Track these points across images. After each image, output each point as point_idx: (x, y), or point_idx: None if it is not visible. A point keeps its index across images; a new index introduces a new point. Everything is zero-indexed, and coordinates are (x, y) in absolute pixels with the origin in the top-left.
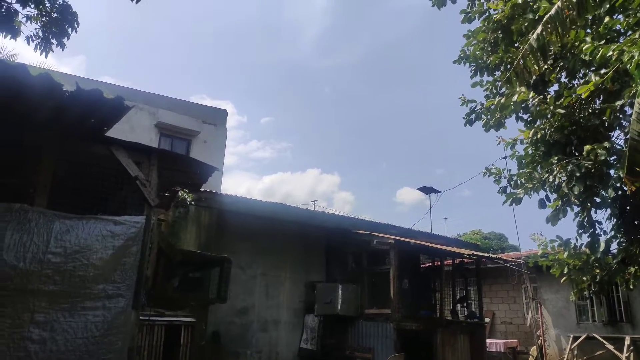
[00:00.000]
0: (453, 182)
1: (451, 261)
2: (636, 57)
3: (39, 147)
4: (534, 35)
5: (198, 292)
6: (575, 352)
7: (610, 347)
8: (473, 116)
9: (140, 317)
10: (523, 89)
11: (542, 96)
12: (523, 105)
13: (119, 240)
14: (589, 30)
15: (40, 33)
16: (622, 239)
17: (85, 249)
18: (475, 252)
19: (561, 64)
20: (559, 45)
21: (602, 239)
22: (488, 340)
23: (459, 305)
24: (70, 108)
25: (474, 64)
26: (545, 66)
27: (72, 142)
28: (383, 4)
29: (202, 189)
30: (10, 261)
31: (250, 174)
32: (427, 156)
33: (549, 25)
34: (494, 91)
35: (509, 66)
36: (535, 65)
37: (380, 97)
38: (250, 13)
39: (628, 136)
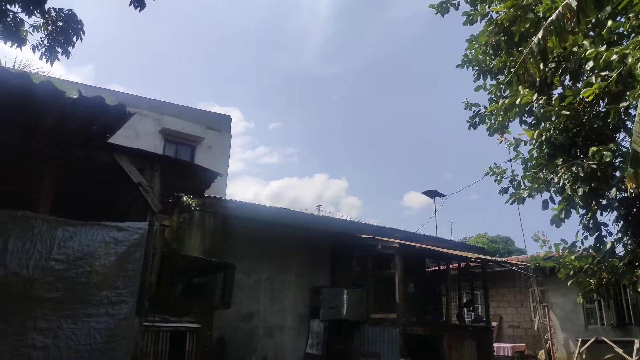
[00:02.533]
0: (461, 186)
1: (457, 265)
2: None
3: (43, 154)
4: (535, 39)
5: (202, 298)
6: (584, 356)
7: (619, 350)
8: (477, 119)
9: (145, 323)
10: (526, 90)
11: (546, 97)
12: (527, 109)
13: (122, 246)
14: (591, 34)
15: (45, 42)
16: (628, 241)
17: (88, 255)
18: (481, 256)
19: (564, 66)
20: (561, 49)
21: (608, 240)
22: (495, 345)
23: (465, 309)
24: (73, 115)
25: (477, 68)
26: (547, 69)
27: (75, 149)
28: (387, 12)
29: (206, 195)
30: (13, 268)
31: (258, 179)
32: (435, 161)
33: (549, 30)
34: (498, 94)
35: (512, 70)
36: (536, 69)
37: (387, 102)
38: (256, 21)
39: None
